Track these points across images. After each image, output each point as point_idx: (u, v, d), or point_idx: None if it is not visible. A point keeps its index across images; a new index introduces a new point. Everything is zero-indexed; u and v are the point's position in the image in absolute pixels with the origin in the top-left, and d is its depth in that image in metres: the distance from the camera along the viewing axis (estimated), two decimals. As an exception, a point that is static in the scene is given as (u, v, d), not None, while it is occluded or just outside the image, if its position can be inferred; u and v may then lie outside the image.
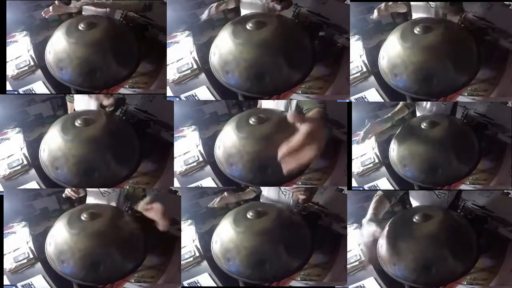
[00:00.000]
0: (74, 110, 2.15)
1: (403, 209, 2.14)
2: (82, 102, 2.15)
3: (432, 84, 2.11)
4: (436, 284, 2.07)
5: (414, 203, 2.14)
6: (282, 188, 2.13)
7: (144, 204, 2.10)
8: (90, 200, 2.14)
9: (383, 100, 2.15)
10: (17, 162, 2.12)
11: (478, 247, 2.10)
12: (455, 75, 2.12)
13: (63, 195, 2.12)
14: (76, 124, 2.09)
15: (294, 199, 2.12)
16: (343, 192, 2.12)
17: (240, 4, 2.16)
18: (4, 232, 2.11)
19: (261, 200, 2.15)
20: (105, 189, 2.13)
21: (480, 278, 2.09)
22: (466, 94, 2.13)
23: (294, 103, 2.13)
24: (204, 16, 2.14)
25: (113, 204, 2.13)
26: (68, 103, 2.15)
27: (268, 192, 2.14)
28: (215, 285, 2.10)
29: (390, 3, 2.14)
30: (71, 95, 2.14)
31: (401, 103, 2.14)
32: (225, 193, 2.12)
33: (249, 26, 2.11)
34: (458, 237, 2.08)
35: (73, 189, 2.11)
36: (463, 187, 2.12)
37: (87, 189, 2.13)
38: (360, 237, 2.07)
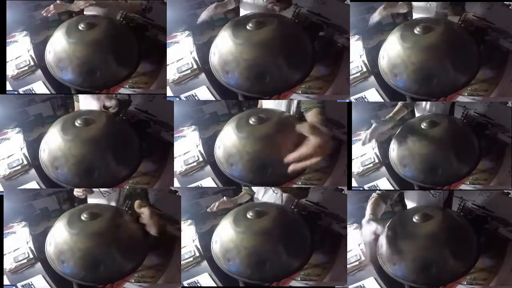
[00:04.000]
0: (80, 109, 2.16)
1: (403, 209, 2.14)
2: (86, 101, 2.14)
3: (432, 84, 2.11)
4: (436, 284, 2.07)
5: (410, 203, 2.14)
6: (273, 187, 2.13)
7: (136, 207, 2.10)
8: (90, 200, 2.14)
9: (383, 100, 2.15)
10: (17, 162, 2.12)
11: (478, 247, 2.10)
12: (455, 75, 2.12)
13: (74, 193, 2.12)
14: (76, 124, 2.09)
15: (289, 198, 2.12)
16: (343, 192, 2.12)
17: (240, 4, 2.16)
18: (4, 232, 2.11)
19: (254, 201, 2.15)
20: (106, 189, 2.13)
21: (480, 278, 2.09)
22: (466, 94, 2.13)
23: (295, 103, 2.13)
24: (203, 17, 2.14)
25: (113, 204, 2.13)
26: (75, 102, 2.15)
27: (262, 196, 2.14)
28: (215, 285, 2.10)
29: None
30: (77, 95, 2.14)
31: (399, 103, 2.14)
32: (224, 198, 2.12)
33: (249, 26, 2.11)
34: (458, 237, 2.08)
35: (81, 190, 2.11)
36: (463, 187, 2.12)
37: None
38: (361, 237, 2.07)
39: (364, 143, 2.10)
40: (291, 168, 2.05)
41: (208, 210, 2.11)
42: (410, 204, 2.14)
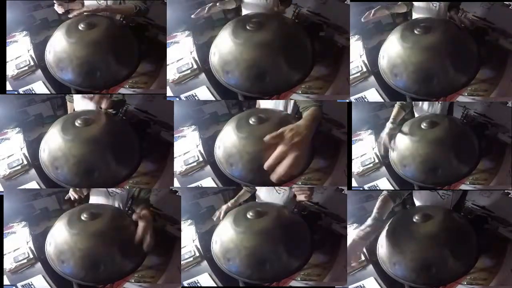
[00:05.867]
0: (74, 110, 2.15)
1: (403, 209, 2.14)
2: (82, 102, 2.14)
3: (432, 84, 2.11)
4: (436, 284, 2.07)
5: (418, 204, 2.14)
6: (277, 187, 2.13)
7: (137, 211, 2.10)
8: (93, 200, 2.14)
9: (383, 100, 2.15)
10: (17, 162, 2.12)
11: (478, 247, 2.10)
12: (455, 75, 2.12)
13: (66, 197, 2.12)
14: (76, 124, 2.09)
15: (293, 199, 2.12)
16: (343, 192, 2.12)
17: (242, 4, 2.16)
18: (4, 232, 2.11)
19: (257, 200, 2.15)
20: (113, 189, 2.13)
21: (480, 278, 2.09)
22: (466, 94, 2.13)
23: (291, 103, 2.13)
24: (200, 13, 2.14)
25: (118, 204, 2.13)
26: (68, 103, 2.15)
27: (265, 195, 2.14)
28: (215, 285, 2.10)
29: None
30: (70, 95, 2.14)
31: (396, 106, 2.14)
32: (229, 204, 2.12)
33: (249, 26, 2.11)
34: (458, 237, 2.08)
35: (76, 189, 2.11)
36: (463, 187, 2.12)
37: (91, 189, 2.13)
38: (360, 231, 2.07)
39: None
40: (275, 178, 2.05)
41: (215, 219, 2.11)
42: (417, 204, 2.14)
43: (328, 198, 2.12)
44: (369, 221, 2.07)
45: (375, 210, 2.09)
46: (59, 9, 2.14)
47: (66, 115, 2.14)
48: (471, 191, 2.12)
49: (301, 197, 2.11)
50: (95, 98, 2.12)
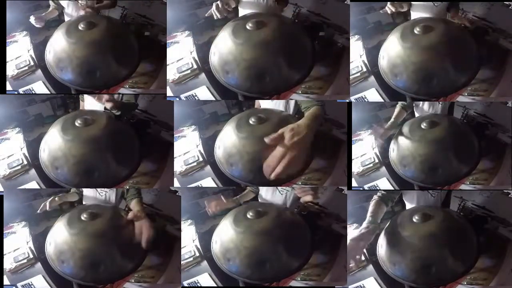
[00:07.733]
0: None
1: (403, 209, 2.14)
2: (92, 103, 2.14)
3: (432, 84, 2.11)
4: (436, 284, 2.07)
5: (408, 204, 2.14)
6: (279, 188, 2.13)
7: (133, 212, 2.10)
8: (86, 201, 2.14)
9: (383, 100, 2.15)
10: (17, 162, 2.12)
11: (478, 247, 2.10)
12: (455, 75, 2.12)
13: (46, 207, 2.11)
14: (76, 124, 2.09)
15: (296, 199, 2.12)
16: (343, 192, 2.12)
17: (240, 3, 2.16)
18: (4, 232, 2.11)
19: (259, 200, 2.15)
20: (102, 189, 2.13)
21: (480, 278, 2.09)
22: (466, 94, 2.13)
23: (292, 103, 2.13)
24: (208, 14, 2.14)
25: (111, 203, 2.13)
26: (81, 102, 2.15)
27: (266, 193, 2.14)
28: (215, 285, 2.10)
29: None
30: (82, 94, 2.14)
31: (398, 106, 2.14)
32: (222, 197, 2.11)
33: (249, 26, 2.11)
34: (458, 237, 2.08)
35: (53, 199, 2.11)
36: (463, 187, 2.12)
37: (83, 192, 2.13)
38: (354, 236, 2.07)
39: (377, 141, 2.11)
40: (272, 175, 2.05)
41: (210, 215, 2.11)
42: (409, 205, 2.14)
43: (328, 198, 2.12)
44: (364, 224, 2.07)
45: (368, 214, 2.08)
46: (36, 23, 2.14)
47: (66, 115, 2.14)
48: (470, 191, 2.12)
49: (307, 198, 2.11)
50: (105, 97, 2.12)
